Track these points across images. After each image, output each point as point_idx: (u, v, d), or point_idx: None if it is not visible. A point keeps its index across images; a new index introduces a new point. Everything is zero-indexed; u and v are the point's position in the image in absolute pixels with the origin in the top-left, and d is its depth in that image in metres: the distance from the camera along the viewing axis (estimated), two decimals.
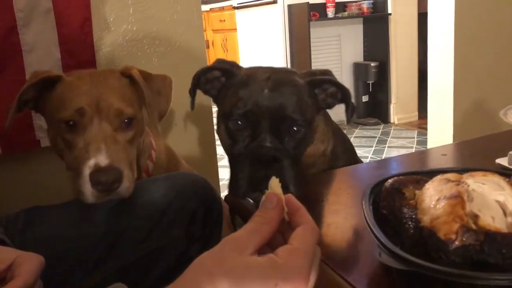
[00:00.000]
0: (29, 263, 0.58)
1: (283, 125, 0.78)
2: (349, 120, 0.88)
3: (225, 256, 0.43)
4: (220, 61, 0.89)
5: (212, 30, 5.15)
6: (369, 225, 0.55)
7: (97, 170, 0.83)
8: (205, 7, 4.91)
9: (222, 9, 4.93)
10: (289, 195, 0.50)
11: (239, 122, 0.79)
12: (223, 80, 0.87)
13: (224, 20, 4.87)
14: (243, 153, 0.78)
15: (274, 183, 0.51)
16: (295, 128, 0.79)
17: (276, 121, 0.77)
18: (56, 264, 0.77)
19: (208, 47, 5.10)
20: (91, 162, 0.84)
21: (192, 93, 0.89)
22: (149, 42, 1.53)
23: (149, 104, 0.95)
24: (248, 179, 0.75)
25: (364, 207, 0.59)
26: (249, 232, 0.45)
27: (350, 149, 1.13)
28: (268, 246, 0.47)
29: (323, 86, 0.86)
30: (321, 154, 1.00)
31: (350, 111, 0.87)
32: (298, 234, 0.45)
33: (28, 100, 0.97)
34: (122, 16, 1.48)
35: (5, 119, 1.34)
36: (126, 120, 0.92)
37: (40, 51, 1.34)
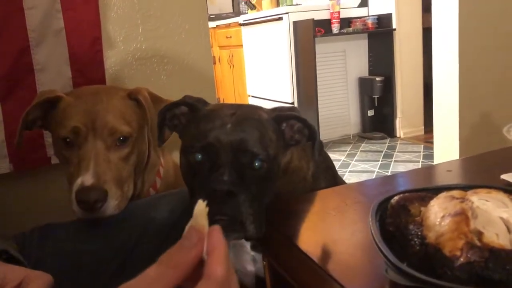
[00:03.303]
0: (37, 283, 0.60)
1: (244, 159, 0.75)
2: (316, 157, 0.85)
3: None
4: (187, 97, 0.87)
5: (219, 47, 5.20)
6: (376, 242, 0.56)
7: (81, 189, 0.86)
8: (211, 24, 4.97)
9: (228, 25, 4.98)
10: (215, 227, 0.42)
11: (199, 156, 0.76)
12: (189, 116, 0.85)
13: (231, 37, 4.92)
14: (199, 186, 0.75)
15: (199, 210, 0.40)
16: (256, 163, 0.76)
17: (237, 155, 0.75)
18: (73, 278, 0.78)
19: (214, 63, 5.15)
20: (78, 181, 0.88)
21: (159, 129, 0.88)
22: (157, 60, 1.56)
23: (152, 128, 0.96)
24: None
25: (371, 223, 0.60)
26: (149, 281, 0.37)
27: (331, 167, 1.10)
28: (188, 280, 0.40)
29: (289, 122, 0.85)
30: (300, 180, 0.98)
31: (317, 147, 0.85)
32: None
33: (36, 119, 1.01)
34: (131, 35, 1.51)
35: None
36: (121, 138, 0.94)
37: (52, 70, 1.37)
